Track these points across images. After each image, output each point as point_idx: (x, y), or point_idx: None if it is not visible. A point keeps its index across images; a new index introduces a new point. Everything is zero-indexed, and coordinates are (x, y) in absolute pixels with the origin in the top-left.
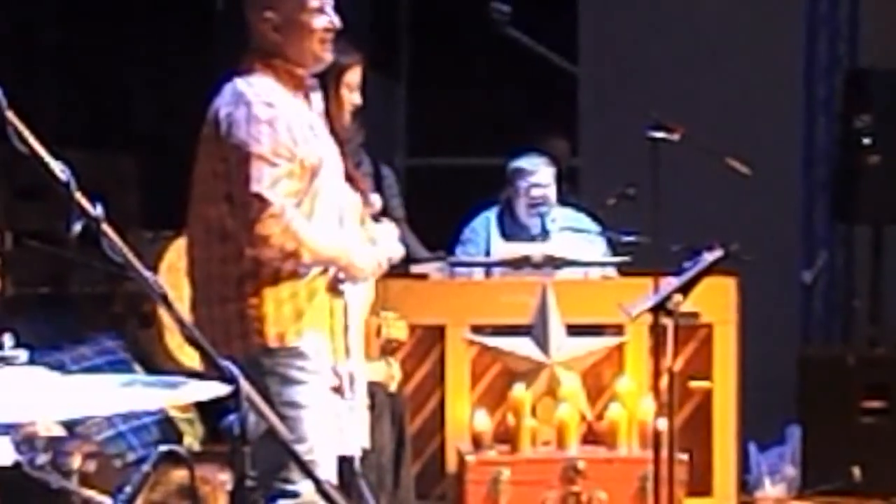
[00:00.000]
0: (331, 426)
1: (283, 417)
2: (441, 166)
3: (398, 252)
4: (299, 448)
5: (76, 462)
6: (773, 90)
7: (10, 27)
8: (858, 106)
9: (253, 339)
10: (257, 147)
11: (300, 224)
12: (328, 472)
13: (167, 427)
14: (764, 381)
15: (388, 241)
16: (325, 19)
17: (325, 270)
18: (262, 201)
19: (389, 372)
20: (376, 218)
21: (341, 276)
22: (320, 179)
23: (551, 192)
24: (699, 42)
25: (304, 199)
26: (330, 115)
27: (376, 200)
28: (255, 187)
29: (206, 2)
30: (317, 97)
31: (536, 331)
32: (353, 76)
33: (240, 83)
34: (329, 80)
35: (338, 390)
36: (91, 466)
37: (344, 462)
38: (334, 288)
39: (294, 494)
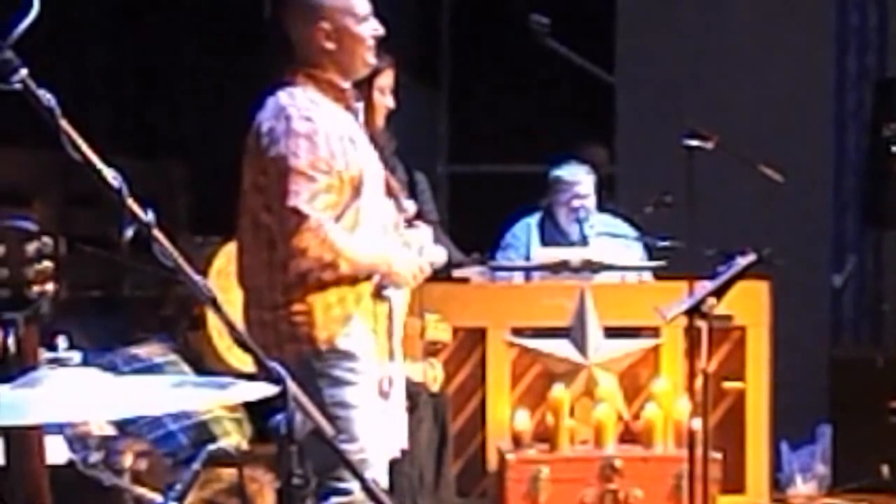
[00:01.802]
0: (380, 426)
1: (334, 418)
2: (482, 173)
3: (441, 257)
4: (350, 447)
5: (128, 460)
6: (804, 100)
7: (63, 39)
8: (887, 115)
9: (303, 343)
10: (296, 161)
11: (337, 236)
12: (379, 472)
13: (216, 427)
14: (795, 381)
15: (428, 246)
16: (372, 26)
17: (370, 276)
18: (300, 215)
19: (432, 373)
20: (410, 222)
21: (384, 282)
22: (363, 190)
23: (590, 201)
24: (733, 53)
25: (348, 211)
26: (365, 121)
27: (410, 206)
28: (292, 201)
29: (254, 11)
30: (358, 107)
31: (575, 333)
32: (386, 79)
33: (282, 96)
34: (362, 85)
35: (379, 392)
36: (142, 465)
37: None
38: (378, 293)
39: (346, 492)
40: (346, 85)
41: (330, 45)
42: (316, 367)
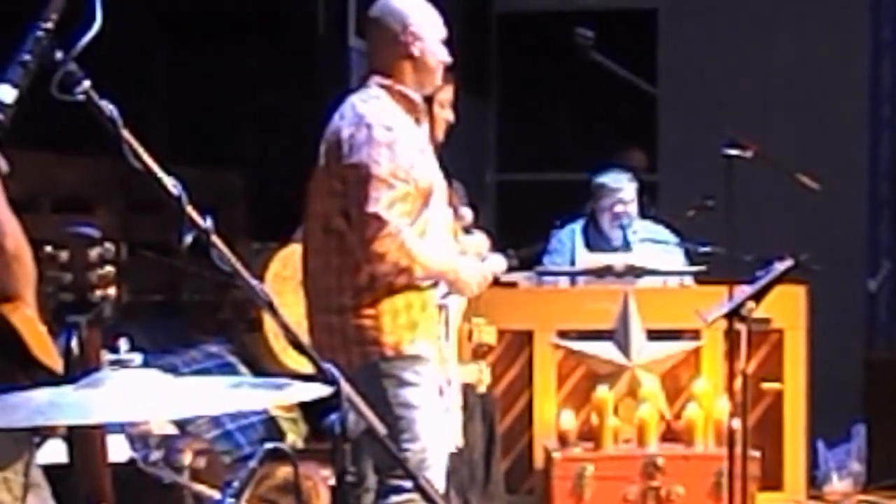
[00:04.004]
0: (440, 426)
1: (398, 418)
2: (529, 181)
3: (501, 265)
4: (413, 447)
5: (187, 459)
6: (840, 110)
7: (126, 54)
8: None
9: (370, 348)
10: (377, 169)
11: (413, 242)
12: (439, 470)
13: (272, 426)
14: (831, 382)
15: (485, 254)
16: (445, 51)
17: (436, 283)
18: (380, 221)
19: (480, 374)
20: (468, 230)
21: (450, 289)
22: (431, 200)
23: (633, 207)
24: (771, 65)
25: (418, 220)
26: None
27: (467, 213)
28: (373, 207)
29: (308, 27)
30: (425, 120)
31: (618, 335)
32: (446, 94)
33: (360, 105)
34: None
35: (439, 392)
36: (201, 463)
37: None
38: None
39: (406, 490)
40: (418, 98)
41: (415, 50)
42: (382, 368)
